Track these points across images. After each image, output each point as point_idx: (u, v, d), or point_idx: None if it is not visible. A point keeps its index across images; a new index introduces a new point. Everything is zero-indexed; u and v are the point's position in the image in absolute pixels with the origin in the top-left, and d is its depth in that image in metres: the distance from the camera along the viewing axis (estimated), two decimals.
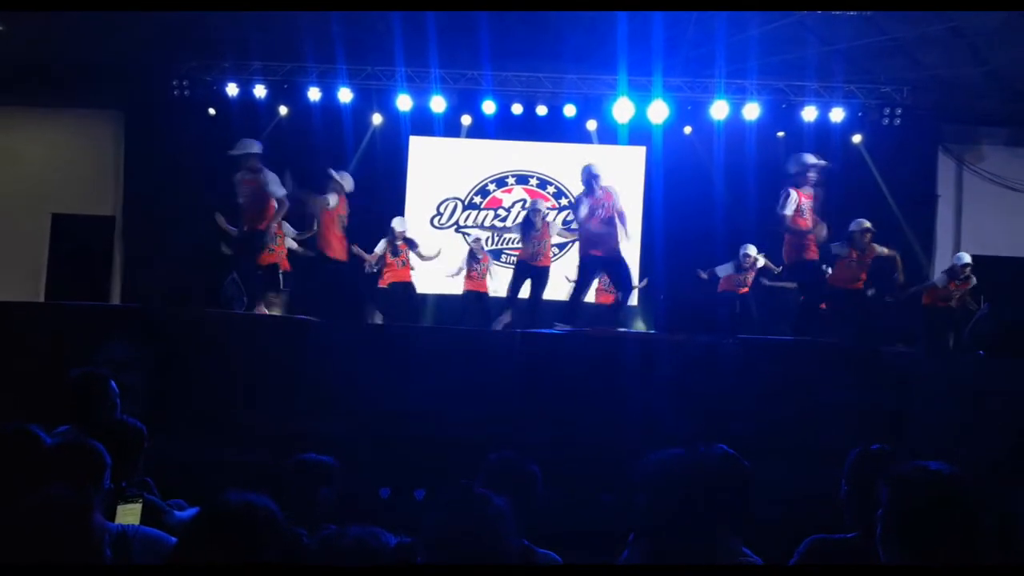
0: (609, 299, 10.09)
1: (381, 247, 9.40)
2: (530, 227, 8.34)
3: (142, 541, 2.20)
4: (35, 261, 11.82)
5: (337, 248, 7.77)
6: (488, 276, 9.98)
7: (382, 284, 9.73)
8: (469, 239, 10.59)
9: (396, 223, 9.52)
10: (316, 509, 2.95)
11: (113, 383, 3.43)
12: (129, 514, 2.64)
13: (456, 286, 10.22)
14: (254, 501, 1.64)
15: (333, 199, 7.65)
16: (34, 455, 2.60)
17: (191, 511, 2.90)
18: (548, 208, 9.46)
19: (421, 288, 10.31)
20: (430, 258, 9.64)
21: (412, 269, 9.58)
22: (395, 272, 9.47)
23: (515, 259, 8.92)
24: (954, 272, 9.06)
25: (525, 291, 8.37)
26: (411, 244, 9.47)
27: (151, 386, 5.06)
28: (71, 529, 1.72)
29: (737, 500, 2.34)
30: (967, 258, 9.06)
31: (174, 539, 2.21)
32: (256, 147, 7.40)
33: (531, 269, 8.30)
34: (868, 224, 7.84)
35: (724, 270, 9.74)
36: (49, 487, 1.87)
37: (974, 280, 9.08)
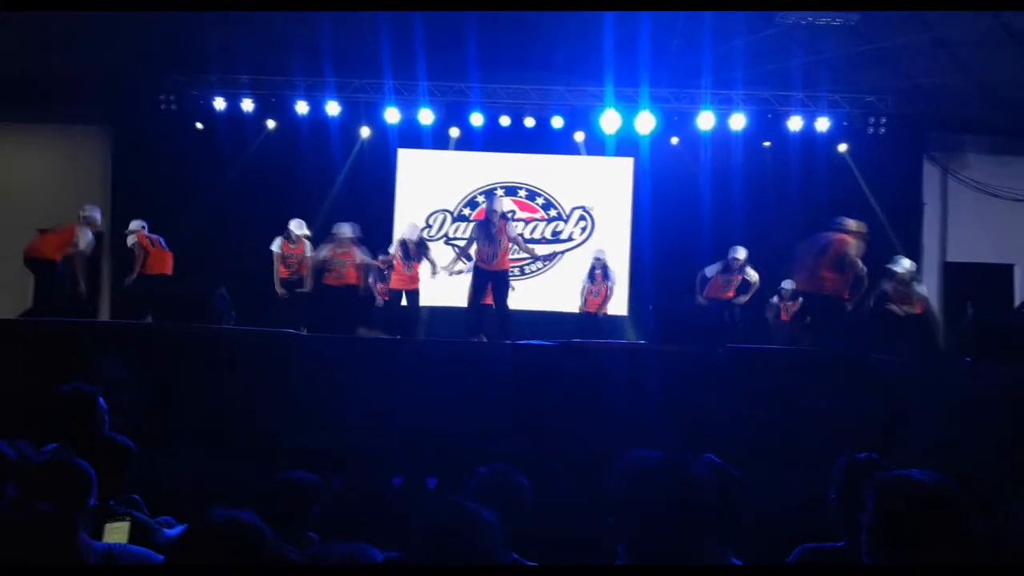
0: (597, 302, 10.05)
1: (394, 249, 9.31)
2: (488, 226, 8.12)
3: (128, 560, 2.19)
4: (22, 278, 11.74)
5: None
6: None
7: (383, 289, 9.64)
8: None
9: (408, 229, 9.40)
10: (303, 526, 2.94)
11: (101, 400, 3.41)
12: (116, 532, 2.61)
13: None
14: (240, 518, 1.63)
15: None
16: (9, 472, 2.58)
17: (180, 528, 2.88)
18: (506, 207, 9.01)
19: (433, 300, 10.25)
20: (436, 270, 9.23)
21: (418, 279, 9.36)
22: (402, 278, 9.31)
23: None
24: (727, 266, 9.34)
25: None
26: (424, 249, 9.27)
27: (140, 402, 5.03)
28: (56, 548, 1.71)
29: (725, 508, 2.34)
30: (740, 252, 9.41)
31: (160, 557, 2.20)
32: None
33: (489, 274, 7.99)
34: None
35: (712, 270, 9.67)
36: (34, 505, 1.85)
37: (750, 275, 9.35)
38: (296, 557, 1.70)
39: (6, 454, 2.97)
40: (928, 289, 9.70)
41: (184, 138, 11.30)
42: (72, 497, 2.35)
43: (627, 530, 1.84)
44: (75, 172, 12.00)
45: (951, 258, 11.46)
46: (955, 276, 11.32)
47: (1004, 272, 11.21)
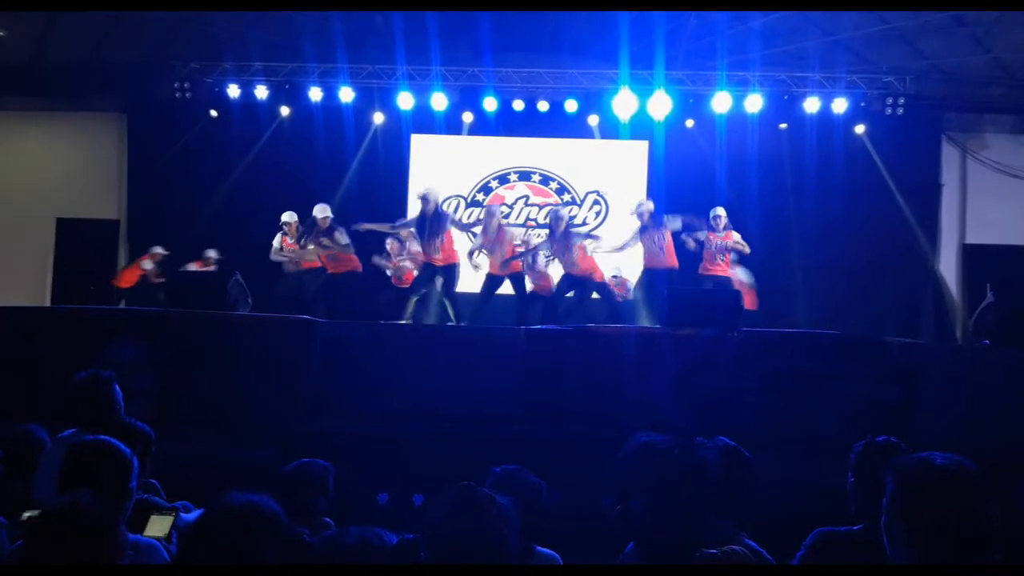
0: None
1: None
2: (494, 245, 8.21)
3: (141, 551, 2.19)
4: (41, 266, 11.86)
5: None
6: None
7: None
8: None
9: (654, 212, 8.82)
10: (317, 511, 2.96)
11: (117, 386, 3.43)
12: (160, 524, 2.63)
13: None
14: (256, 501, 1.64)
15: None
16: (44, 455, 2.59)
17: (197, 513, 2.90)
18: (503, 214, 9.16)
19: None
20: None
21: None
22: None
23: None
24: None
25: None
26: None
27: (157, 388, 5.06)
28: (98, 540, 1.69)
29: (732, 489, 2.34)
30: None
31: (167, 557, 2.21)
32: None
33: (500, 278, 8.27)
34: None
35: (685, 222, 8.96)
36: (78, 494, 1.83)
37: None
38: (310, 539, 1.71)
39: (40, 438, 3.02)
40: (948, 271, 9.59)
41: (198, 125, 11.35)
42: (115, 480, 2.35)
43: (633, 514, 1.84)
44: (91, 160, 12.07)
45: (970, 240, 11.34)
46: (974, 258, 11.20)
47: None
